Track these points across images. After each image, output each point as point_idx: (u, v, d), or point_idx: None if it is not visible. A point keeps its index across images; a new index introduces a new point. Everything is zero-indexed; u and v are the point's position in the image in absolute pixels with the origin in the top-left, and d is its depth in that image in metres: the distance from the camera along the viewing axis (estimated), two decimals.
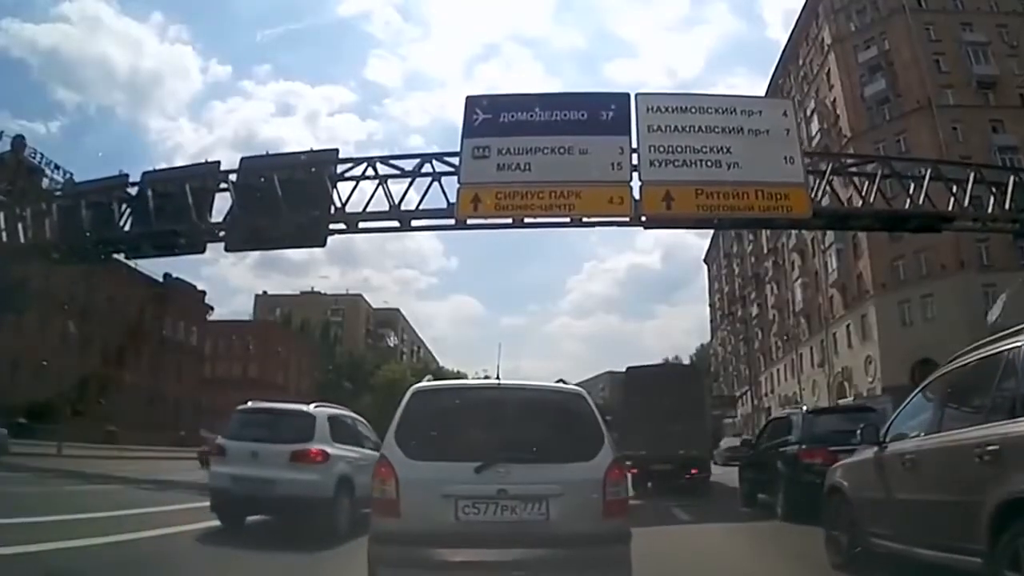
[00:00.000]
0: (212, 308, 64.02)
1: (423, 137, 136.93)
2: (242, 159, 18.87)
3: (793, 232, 55.74)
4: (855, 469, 6.57)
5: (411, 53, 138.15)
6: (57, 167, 35.76)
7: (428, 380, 6.08)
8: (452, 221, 16.44)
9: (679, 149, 16.23)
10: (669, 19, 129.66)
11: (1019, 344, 4.52)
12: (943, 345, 33.78)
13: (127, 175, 20.22)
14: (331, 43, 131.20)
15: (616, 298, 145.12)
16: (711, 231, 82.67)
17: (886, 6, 47.07)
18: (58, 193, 23.97)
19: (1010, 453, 4.10)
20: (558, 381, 6.69)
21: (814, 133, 48.46)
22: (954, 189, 18.69)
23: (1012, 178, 19.62)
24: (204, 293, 62.71)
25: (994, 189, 19.23)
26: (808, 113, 49.67)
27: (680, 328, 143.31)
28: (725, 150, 16.30)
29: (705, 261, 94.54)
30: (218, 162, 19.35)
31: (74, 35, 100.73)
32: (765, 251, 65.33)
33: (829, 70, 50.16)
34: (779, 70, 57.74)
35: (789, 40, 57.13)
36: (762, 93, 52.28)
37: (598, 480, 4.58)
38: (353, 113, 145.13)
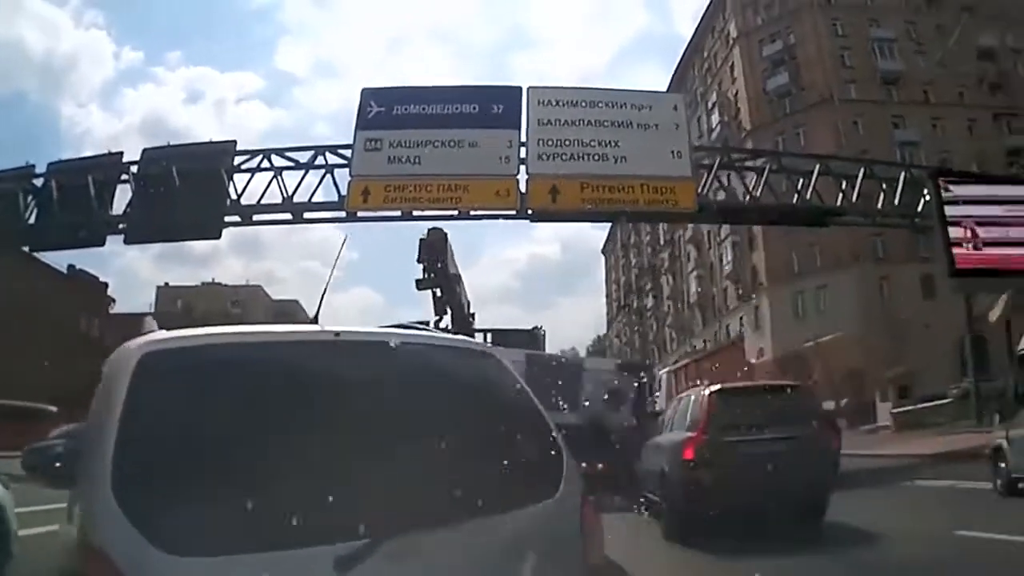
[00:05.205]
0: (114, 300, 62.71)
1: (330, 124, 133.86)
2: (144, 150, 18.66)
3: (690, 224, 55.89)
4: (647, 450, 10.41)
5: (321, 41, 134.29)
6: None
7: (160, 333, 2.33)
8: (343, 214, 16.62)
9: (568, 143, 16.55)
10: (580, 12, 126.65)
11: (691, 395, 9.41)
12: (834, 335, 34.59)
13: (33, 165, 19.82)
14: (242, 30, 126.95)
15: (515, 289, 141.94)
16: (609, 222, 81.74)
17: (795, 1, 47.28)
18: None
19: (664, 447, 9.09)
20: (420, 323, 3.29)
21: (715, 125, 48.66)
22: (843, 185, 19.27)
23: (903, 174, 20.14)
24: (106, 285, 61.29)
25: (884, 185, 19.83)
26: (710, 106, 49.83)
27: (578, 321, 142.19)
28: (613, 144, 16.67)
29: (603, 252, 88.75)
30: (121, 153, 19.15)
31: None
32: (662, 242, 64.18)
33: (733, 64, 50.23)
34: (683, 63, 57.26)
35: (695, 33, 56.83)
36: (666, 86, 52.04)
37: (574, 536, 2.25)
38: (260, 100, 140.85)
